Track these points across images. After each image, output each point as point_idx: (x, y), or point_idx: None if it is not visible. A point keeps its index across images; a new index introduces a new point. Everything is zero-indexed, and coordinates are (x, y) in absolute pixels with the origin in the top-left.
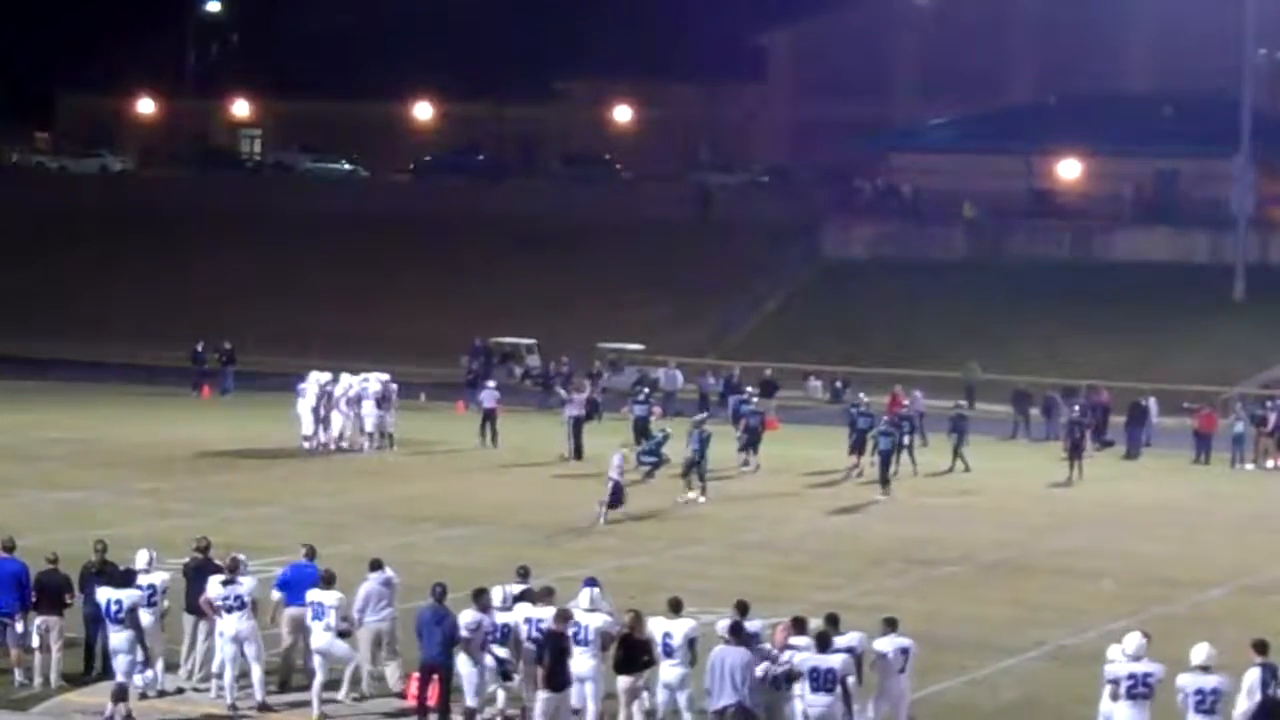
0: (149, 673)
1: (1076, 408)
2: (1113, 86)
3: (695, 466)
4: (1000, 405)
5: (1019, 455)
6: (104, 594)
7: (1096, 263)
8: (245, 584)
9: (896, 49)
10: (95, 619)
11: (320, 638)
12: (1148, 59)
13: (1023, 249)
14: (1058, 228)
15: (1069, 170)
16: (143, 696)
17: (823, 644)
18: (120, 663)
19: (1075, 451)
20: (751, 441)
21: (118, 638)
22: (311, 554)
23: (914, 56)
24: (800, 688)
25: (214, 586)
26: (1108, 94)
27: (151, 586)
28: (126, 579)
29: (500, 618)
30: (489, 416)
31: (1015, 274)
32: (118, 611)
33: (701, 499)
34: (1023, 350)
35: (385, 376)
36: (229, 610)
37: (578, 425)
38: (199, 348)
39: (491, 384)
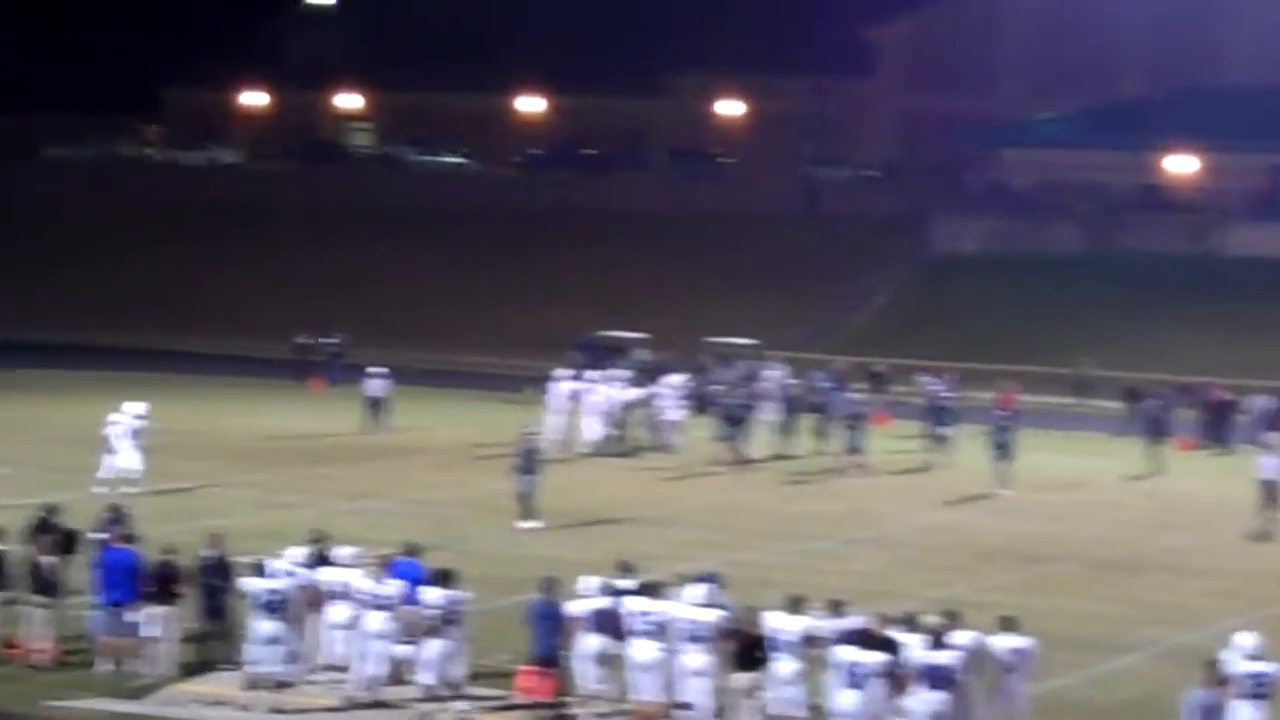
0: (298, 665)
1: (1157, 401)
2: (1225, 80)
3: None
4: (1112, 401)
5: (1131, 451)
6: (258, 583)
7: (1210, 258)
8: (393, 585)
9: (1006, 42)
10: (217, 611)
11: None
12: (1260, 52)
13: (1135, 244)
14: (1170, 223)
15: (1182, 165)
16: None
17: (935, 641)
18: (273, 653)
19: (1155, 444)
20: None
21: (270, 627)
22: (412, 551)
23: (1024, 50)
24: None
25: (362, 580)
26: (1220, 88)
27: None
28: (261, 571)
29: (594, 605)
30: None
31: (1127, 269)
32: (274, 600)
33: (530, 524)
34: (1135, 346)
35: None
36: (375, 608)
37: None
38: (300, 340)
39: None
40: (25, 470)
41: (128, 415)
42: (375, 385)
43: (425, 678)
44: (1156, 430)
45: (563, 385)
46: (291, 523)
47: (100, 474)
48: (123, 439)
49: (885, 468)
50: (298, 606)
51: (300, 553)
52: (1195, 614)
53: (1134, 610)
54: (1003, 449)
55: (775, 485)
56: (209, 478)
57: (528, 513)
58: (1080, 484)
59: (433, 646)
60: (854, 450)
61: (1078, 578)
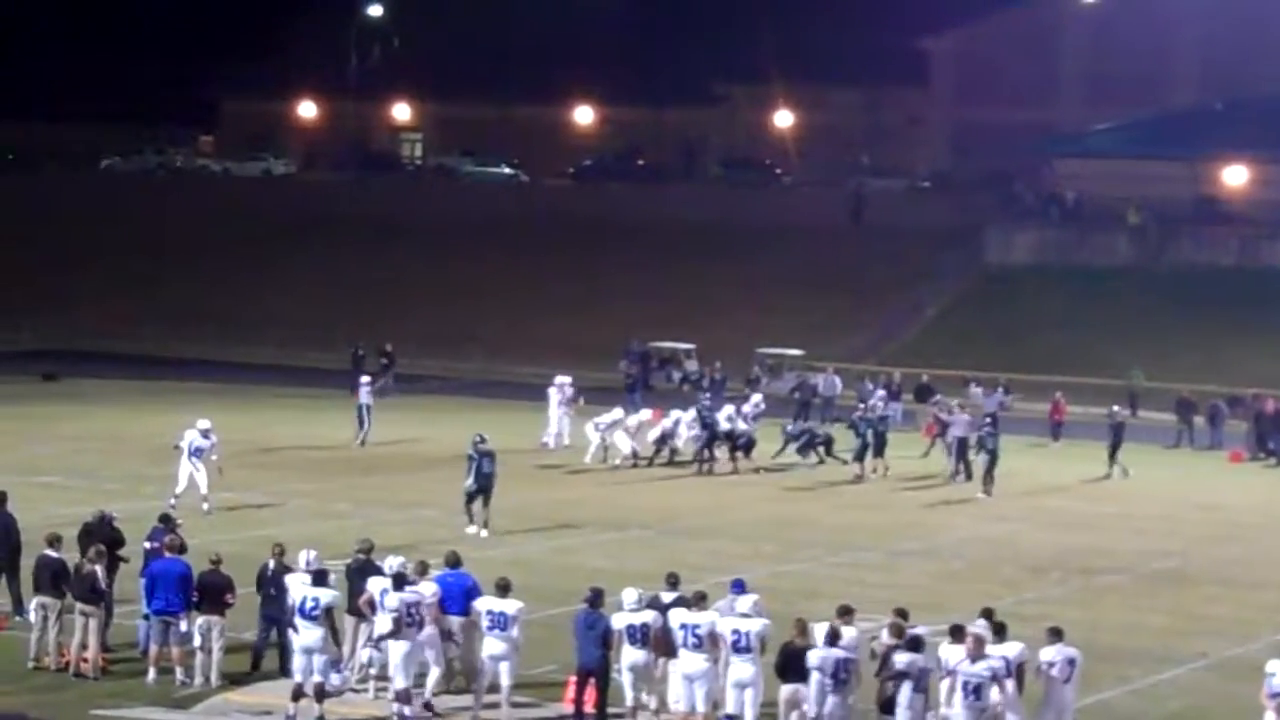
0: (341, 674)
1: (1116, 408)
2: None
3: (482, 494)
4: (1164, 413)
5: (1182, 463)
6: (300, 592)
7: (1264, 270)
8: (425, 589)
9: (1060, 53)
10: (273, 620)
11: (495, 646)
12: None
13: (1188, 255)
14: (1224, 234)
15: (1235, 176)
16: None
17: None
18: (316, 661)
19: (1113, 450)
20: (874, 448)
21: (311, 636)
22: (454, 561)
23: (1078, 61)
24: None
25: (391, 598)
26: (1275, 98)
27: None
28: (321, 579)
29: (636, 618)
30: None
31: (1180, 281)
32: (313, 609)
33: (483, 533)
34: (1187, 358)
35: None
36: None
37: (962, 446)
38: (359, 350)
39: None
40: (77, 480)
41: (194, 431)
42: (363, 393)
43: (396, 680)
44: (1115, 437)
45: (552, 392)
46: (341, 532)
47: (177, 489)
48: (190, 456)
49: (935, 478)
50: (338, 616)
51: (311, 555)
52: (1246, 626)
53: (1183, 622)
54: (990, 455)
55: (823, 496)
56: (261, 487)
57: (475, 517)
58: (1131, 496)
59: (396, 649)
60: (876, 456)
61: (1127, 589)
